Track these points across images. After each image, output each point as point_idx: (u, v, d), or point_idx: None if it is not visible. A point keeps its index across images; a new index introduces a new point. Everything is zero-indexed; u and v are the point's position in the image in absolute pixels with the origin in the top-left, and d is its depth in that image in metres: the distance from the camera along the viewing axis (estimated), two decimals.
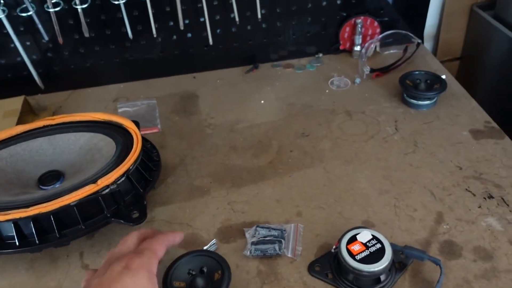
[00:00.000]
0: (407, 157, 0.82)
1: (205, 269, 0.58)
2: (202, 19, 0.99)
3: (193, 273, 0.58)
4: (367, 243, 0.61)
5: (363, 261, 0.59)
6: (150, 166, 0.75)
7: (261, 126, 0.92)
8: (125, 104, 0.99)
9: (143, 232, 0.54)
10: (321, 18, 1.07)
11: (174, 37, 1.03)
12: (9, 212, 0.62)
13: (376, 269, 0.58)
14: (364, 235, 0.62)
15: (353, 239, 0.62)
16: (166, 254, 0.53)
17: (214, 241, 0.68)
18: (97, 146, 0.75)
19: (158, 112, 0.96)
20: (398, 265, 0.64)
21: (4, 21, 0.85)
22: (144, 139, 0.80)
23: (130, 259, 0.47)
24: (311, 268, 0.64)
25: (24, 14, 0.87)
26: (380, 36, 1.08)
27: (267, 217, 0.72)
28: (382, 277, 0.61)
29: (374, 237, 0.62)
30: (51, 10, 0.86)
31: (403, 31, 1.07)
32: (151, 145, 0.82)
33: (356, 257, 0.60)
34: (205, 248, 0.66)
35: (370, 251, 0.60)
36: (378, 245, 0.61)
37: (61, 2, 0.88)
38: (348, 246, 0.61)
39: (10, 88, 0.99)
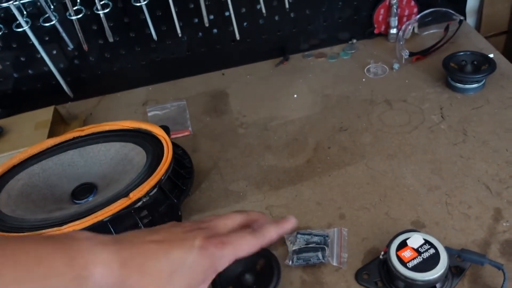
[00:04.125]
0: (456, 148, 0.76)
1: (246, 264, 0.54)
2: (227, 14, 0.94)
3: (237, 272, 0.53)
4: (419, 249, 0.56)
5: (415, 269, 0.55)
6: (182, 173, 0.73)
7: (295, 122, 0.87)
8: (155, 108, 0.96)
9: (252, 218, 0.48)
10: (353, 1, 1.01)
11: (200, 34, 0.99)
12: (44, 231, 0.61)
13: (431, 277, 0.54)
14: (415, 240, 0.57)
15: (403, 244, 0.57)
16: None
17: None
18: (128, 156, 0.72)
19: (188, 113, 0.94)
20: (454, 270, 0.59)
21: (28, 32, 0.84)
22: (175, 145, 0.77)
23: (211, 244, 0.42)
24: (358, 276, 0.60)
25: (47, 24, 0.85)
26: (418, 16, 1.00)
27: (308, 221, 0.68)
28: (438, 285, 0.56)
29: (426, 242, 0.57)
30: (74, 17, 0.84)
31: (443, 9, 1.00)
32: (182, 150, 0.79)
33: (407, 264, 0.55)
34: None
35: (422, 258, 0.55)
36: (432, 250, 0.56)
37: (83, 8, 0.85)
38: (398, 253, 0.56)
39: (40, 98, 1.00)
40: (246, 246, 0.44)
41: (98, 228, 0.62)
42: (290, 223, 0.47)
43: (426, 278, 0.54)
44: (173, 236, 0.42)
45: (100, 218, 0.61)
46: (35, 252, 0.37)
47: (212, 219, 0.46)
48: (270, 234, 0.45)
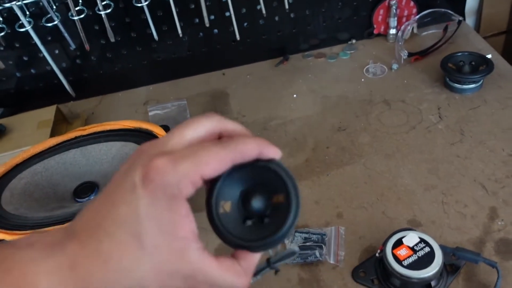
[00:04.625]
0: (453, 148, 0.76)
1: (261, 187, 0.36)
2: (227, 14, 0.95)
3: (245, 190, 0.36)
4: (415, 247, 0.57)
5: (411, 266, 0.56)
6: None
7: (295, 122, 0.88)
8: (156, 107, 0.97)
9: (224, 126, 0.34)
10: (352, 1, 1.01)
11: (200, 34, 1.00)
12: (46, 229, 0.62)
13: (426, 275, 0.55)
14: (411, 238, 0.58)
15: (399, 243, 0.58)
16: None
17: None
18: (129, 155, 0.73)
19: (189, 113, 0.95)
20: (449, 268, 0.59)
21: (31, 32, 0.85)
22: None
23: (153, 167, 0.30)
24: (355, 274, 0.61)
25: (49, 24, 0.86)
26: (417, 16, 1.01)
27: (306, 220, 0.69)
28: (433, 283, 0.57)
29: (421, 240, 0.58)
30: (76, 17, 0.85)
31: (442, 9, 1.00)
32: None
33: (403, 262, 0.56)
34: None
35: (418, 256, 0.56)
36: (427, 249, 0.57)
37: (85, 8, 0.86)
38: (394, 251, 0.57)
39: (42, 97, 1.01)
40: (211, 157, 0.31)
41: None
42: (275, 151, 0.33)
43: (421, 276, 0.55)
44: (111, 188, 0.32)
45: None
46: None
47: (168, 133, 0.33)
48: (246, 147, 0.32)
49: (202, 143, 0.32)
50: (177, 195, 0.30)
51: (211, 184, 0.34)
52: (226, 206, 0.35)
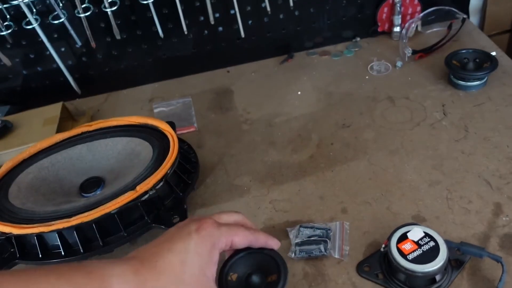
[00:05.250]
0: (458, 144, 0.77)
1: (261, 268, 0.51)
2: (232, 12, 0.96)
3: (251, 269, 0.51)
4: (419, 241, 0.57)
5: (415, 261, 0.56)
6: (188, 168, 0.74)
7: (299, 119, 0.89)
8: (161, 104, 0.98)
9: (246, 222, 0.52)
10: None
11: (206, 32, 1.01)
12: (53, 223, 0.62)
13: (431, 269, 0.55)
14: (416, 233, 0.58)
15: (403, 237, 0.58)
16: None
17: None
18: (135, 151, 0.74)
19: (194, 110, 0.95)
20: (454, 263, 0.59)
21: (38, 29, 0.86)
22: (181, 140, 0.79)
23: (205, 223, 0.46)
24: (360, 269, 0.61)
25: (56, 22, 0.87)
26: (421, 14, 1.01)
27: (311, 215, 0.70)
28: (438, 277, 0.57)
29: (426, 234, 0.58)
30: (82, 15, 0.86)
31: (446, 7, 1.01)
32: (188, 146, 0.81)
33: (407, 256, 0.56)
34: None
35: (422, 250, 0.56)
36: (432, 243, 0.57)
37: (91, 6, 0.87)
38: (399, 245, 0.57)
39: (48, 95, 1.01)
40: (240, 233, 0.48)
41: (106, 220, 0.63)
42: (276, 243, 0.51)
43: (426, 270, 0.55)
44: (170, 234, 0.47)
45: (107, 210, 0.62)
46: (56, 271, 0.40)
47: (211, 215, 0.50)
48: (260, 236, 0.49)
49: (234, 224, 0.49)
50: (216, 245, 0.46)
51: (227, 259, 0.50)
52: (233, 277, 0.49)
